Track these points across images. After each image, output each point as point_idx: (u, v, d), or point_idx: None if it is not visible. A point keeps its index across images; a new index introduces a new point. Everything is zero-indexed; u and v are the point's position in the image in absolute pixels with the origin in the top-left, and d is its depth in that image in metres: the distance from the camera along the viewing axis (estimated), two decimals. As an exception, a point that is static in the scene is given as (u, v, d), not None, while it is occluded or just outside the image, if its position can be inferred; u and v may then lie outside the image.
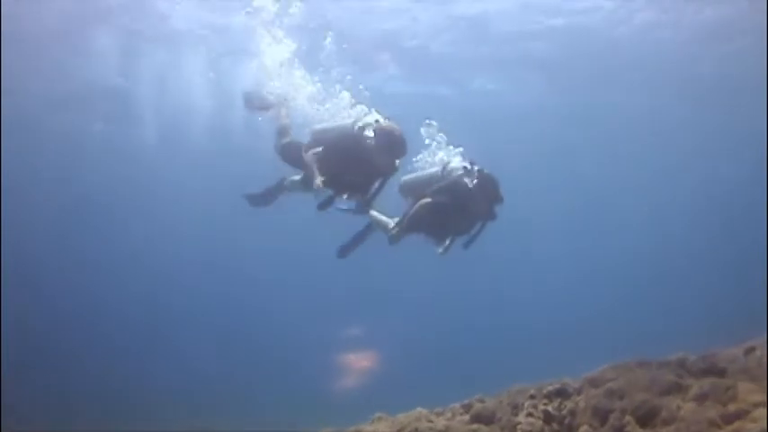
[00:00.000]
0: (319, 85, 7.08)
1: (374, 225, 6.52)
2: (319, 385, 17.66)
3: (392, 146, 5.87)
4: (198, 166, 18.26)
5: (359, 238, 6.58)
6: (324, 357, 18.32)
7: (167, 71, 14.23)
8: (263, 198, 6.85)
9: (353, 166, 5.96)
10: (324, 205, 6.04)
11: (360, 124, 6.06)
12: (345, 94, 6.83)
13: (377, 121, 6.02)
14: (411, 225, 5.91)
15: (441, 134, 6.98)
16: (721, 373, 5.77)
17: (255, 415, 16.90)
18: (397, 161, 6.05)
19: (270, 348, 22.55)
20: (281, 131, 6.67)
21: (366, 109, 6.50)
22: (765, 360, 5.63)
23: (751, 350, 5.99)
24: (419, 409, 7.43)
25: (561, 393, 6.22)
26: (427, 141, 6.95)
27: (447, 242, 6.28)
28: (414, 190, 6.31)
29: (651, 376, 5.78)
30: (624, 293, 24.15)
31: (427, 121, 7.11)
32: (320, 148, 6.10)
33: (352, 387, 17.36)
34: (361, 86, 6.92)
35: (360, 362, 18.54)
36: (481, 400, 7.07)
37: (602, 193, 20.48)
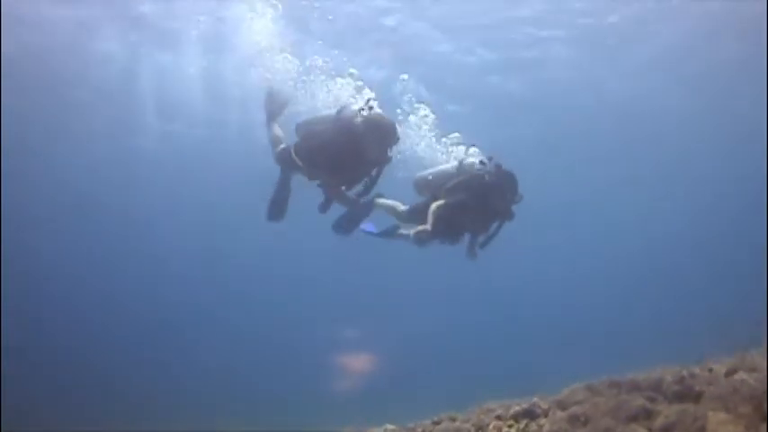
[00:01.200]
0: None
1: (381, 207, 6.36)
2: (320, 386, 17.52)
3: (381, 135, 5.61)
4: (197, 159, 18.09)
5: (356, 214, 6.28)
6: (327, 357, 18.12)
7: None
8: (277, 208, 6.54)
9: (345, 157, 5.71)
10: (324, 207, 5.95)
11: (346, 113, 5.85)
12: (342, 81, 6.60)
13: (363, 109, 5.75)
14: (436, 228, 5.55)
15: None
16: (697, 397, 5.36)
17: (260, 415, 16.77)
18: (389, 150, 5.78)
19: (271, 348, 22.54)
20: (274, 141, 6.47)
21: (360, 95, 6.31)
22: (745, 384, 5.18)
23: (732, 372, 5.54)
24: (388, 425, 7.23)
25: (528, 414, 5.99)
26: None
27: (470, 243, 6.06)
28: (429, 186, 6.09)
29: (619, 401, 5.40)
30: (624, 293, 23.72)
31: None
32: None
33: (357, 388, 17.14)
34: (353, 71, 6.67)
35: (360, 363, 18.34)
36: (453, 418, 6.89)
37: (600, 191, 19.97)
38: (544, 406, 5.98)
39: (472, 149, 6.28)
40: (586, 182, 19.31)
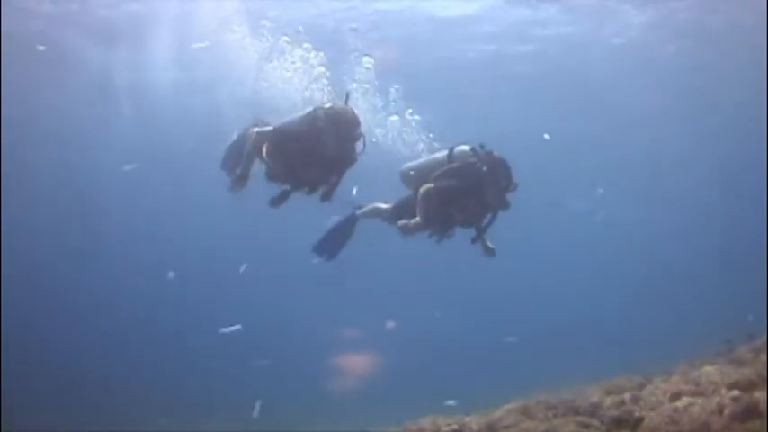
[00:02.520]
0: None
1: (365, 216, 5.91)
2: (308, 388, 17.31)
3: (341, 129, 5.12)
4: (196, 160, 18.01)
5: (339, 233, 5.91)
6: (331, 357, 17.89)
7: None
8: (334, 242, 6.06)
9: (304, 154, 5.24)
10: (278, 201, 5.44)
11: (308, 110, 5.35)
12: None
13: (327, 103, 5.33)
14: (426, 216, 5.15)
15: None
16: (635, 425, 4.82)
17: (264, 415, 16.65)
18: (356, 148, 5.32)
19: (274, 348, 22.42)
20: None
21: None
22: (687, 413, 4.61)
23: (677, 396, 4.96)
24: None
25: (456, 435, 5.52)
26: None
27: (478, 238, 5.50)
28: (417, 177, 5.57)
29: (549, 426, 4.89)
30: (622, 293, 22.71)
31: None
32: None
33: (350, 390, 16.86)
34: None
35: (362, 362, 18.03)
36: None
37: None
38: (474, 427, 5.51)
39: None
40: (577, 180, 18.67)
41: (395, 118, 6.76)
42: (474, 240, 5.46)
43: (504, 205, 5.17)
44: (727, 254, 21.70)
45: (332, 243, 5.88)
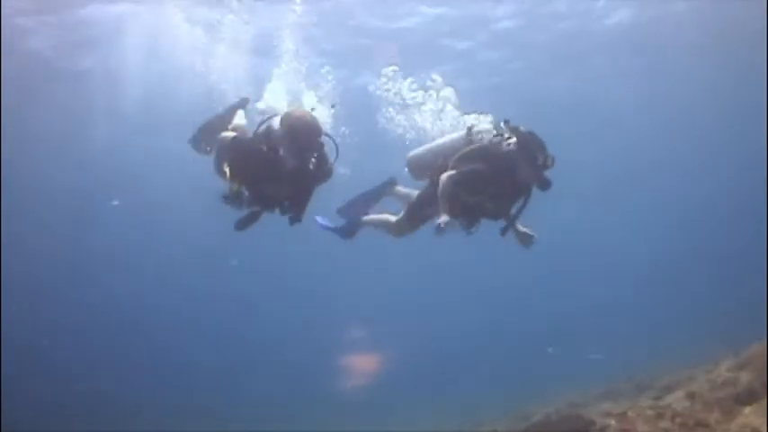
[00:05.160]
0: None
1: (375, 227, 5.27)
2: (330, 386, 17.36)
3: (296, 137, 4.41)
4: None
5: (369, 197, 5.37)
6: (338, 358, 17.94)
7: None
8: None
9: (263, 171, 4.54)
10: (245, 223, 4.69)
11: (265, 118, 4.75)
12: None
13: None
14: (450, 210, 4.38)
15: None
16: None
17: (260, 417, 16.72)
18: (322, 160, 4.56)
19: (272, 352, 22.52)
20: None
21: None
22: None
23: (622, 416, 5.02)
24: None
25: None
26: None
27: (511, 229, 4.73)
28: (430, 164, 4.79)
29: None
30: (622, 291, 23.07)
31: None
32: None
33: (353, 391, 16.93)
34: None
35: (369, 361, 18.09)
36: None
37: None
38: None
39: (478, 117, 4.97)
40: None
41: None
42: (504, 231, 4.71)
43: (545, 184, 4.40)
44: (727, 254, 21.80)
45: (358, 206, 5.33)
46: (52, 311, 20.57)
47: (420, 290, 22.86)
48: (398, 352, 18.50)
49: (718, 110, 15.93)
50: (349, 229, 5.37)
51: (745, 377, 5.83)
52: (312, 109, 4.59)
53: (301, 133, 4.41)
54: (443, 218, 4.28)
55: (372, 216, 5.31)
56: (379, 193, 5.39)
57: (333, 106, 4.91)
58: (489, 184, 4.42)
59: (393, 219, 5.06)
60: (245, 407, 18.08)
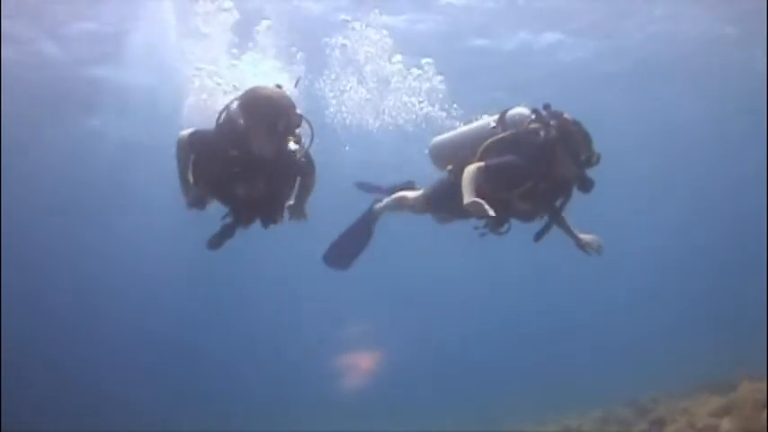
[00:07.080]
0: None
1: (387, 209, 4.73)
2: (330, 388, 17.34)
3: (267, 113, 3.59)
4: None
5: (354, 236, 4.79)
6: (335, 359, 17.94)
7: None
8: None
9: (233, 166, 3.73)
10: (218, 240, 3.99)
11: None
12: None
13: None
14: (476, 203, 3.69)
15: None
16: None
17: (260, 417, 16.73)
18: (285, 143, 3.72)
19: (277, 349, 22.47)
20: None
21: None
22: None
23: None
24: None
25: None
26: None
27: (548, 228, 4.09)
28: (456, 152, 4.13)
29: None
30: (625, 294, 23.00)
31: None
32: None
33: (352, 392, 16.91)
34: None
35: (368, 362, 18.06)
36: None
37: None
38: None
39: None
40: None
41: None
42: (539, 236, 4.07)
43: (587, 184, 3.82)
44: (726, 254, 21.80)
45: (345, 249, 4.71)
46: (52, 311, 20.63)
47: (423, 290, 22.83)
48: (398, 352, 18.50)
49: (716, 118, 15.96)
50: (384, 188, 4.86)
51: (725, 427, 5.55)
52: (278, 86, 3.82)
53: (269, 109, 3.61)
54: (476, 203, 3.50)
55: (386, 200, 4.76)
56: (366, 230, 4.85)
57: (296, 83, 4.24)
58: (522, 179, 3.78)
59: (410, 195, 4.52)
60: (245, 407, 18.09)
